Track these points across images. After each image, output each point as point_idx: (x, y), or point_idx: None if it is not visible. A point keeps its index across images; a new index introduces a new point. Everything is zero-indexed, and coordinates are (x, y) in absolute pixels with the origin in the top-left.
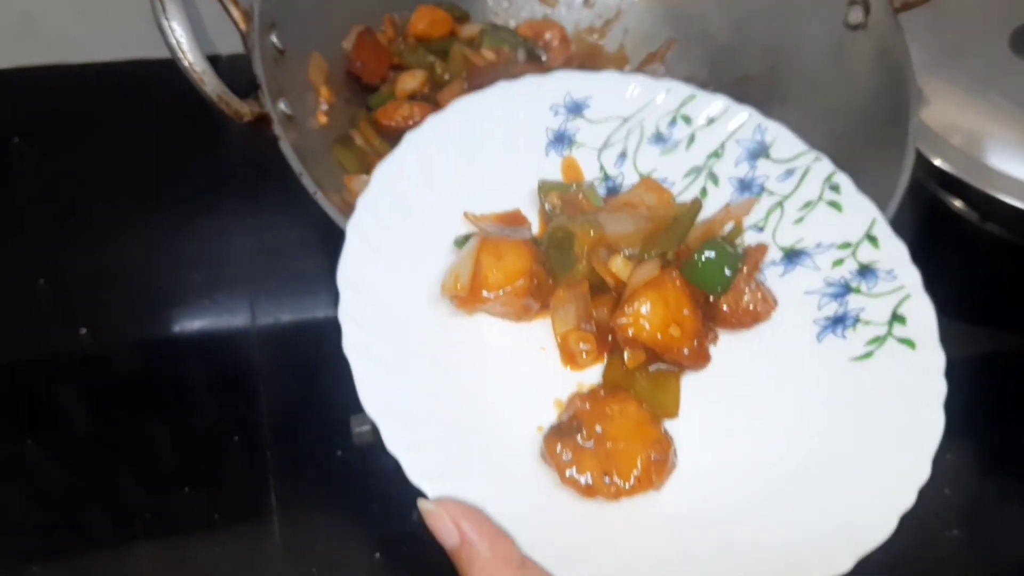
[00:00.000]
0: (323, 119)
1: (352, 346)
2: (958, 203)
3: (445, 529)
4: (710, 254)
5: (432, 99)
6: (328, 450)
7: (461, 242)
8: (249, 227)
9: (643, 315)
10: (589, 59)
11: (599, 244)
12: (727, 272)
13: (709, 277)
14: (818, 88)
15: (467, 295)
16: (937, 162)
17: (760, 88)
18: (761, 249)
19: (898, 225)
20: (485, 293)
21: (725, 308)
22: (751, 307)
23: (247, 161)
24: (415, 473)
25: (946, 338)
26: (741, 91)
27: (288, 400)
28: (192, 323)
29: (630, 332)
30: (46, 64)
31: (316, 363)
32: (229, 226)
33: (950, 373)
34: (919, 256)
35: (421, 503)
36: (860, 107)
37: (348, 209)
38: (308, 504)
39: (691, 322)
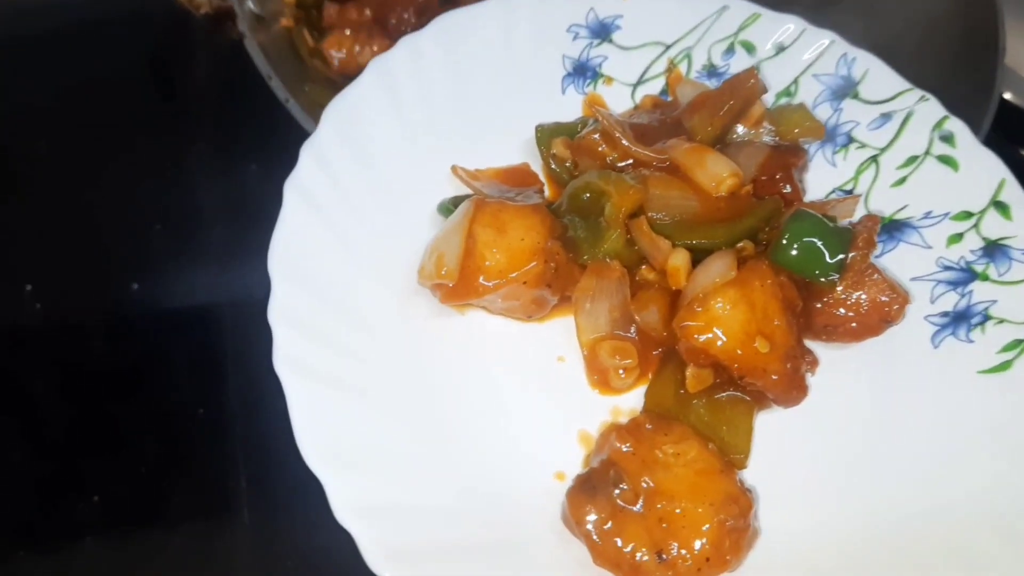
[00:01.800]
0: (288, 22)
1: (287, 362)
2: None
3: None
4: (808, 236)
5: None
6: None
7: (447, 208)
8: (218, 179)
9: (718, 318)
10: None
11: (640, 209)
12: (830, 255)
13: (809, 261)
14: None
15: (456, 284)
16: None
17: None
18: (873, 220)
19: None
20: (482, 281)
21: (841, 312)
22: (880, 302)
23: (216, 105)
24: (377, 555)
25: None
26: None
27: (260, 369)
28: (151, 284)
29: (699, 340)
30: None
31: None
32: (195, 178)
33: None
34: None
35: None
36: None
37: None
38: (282, 488)
39: (783, 336)
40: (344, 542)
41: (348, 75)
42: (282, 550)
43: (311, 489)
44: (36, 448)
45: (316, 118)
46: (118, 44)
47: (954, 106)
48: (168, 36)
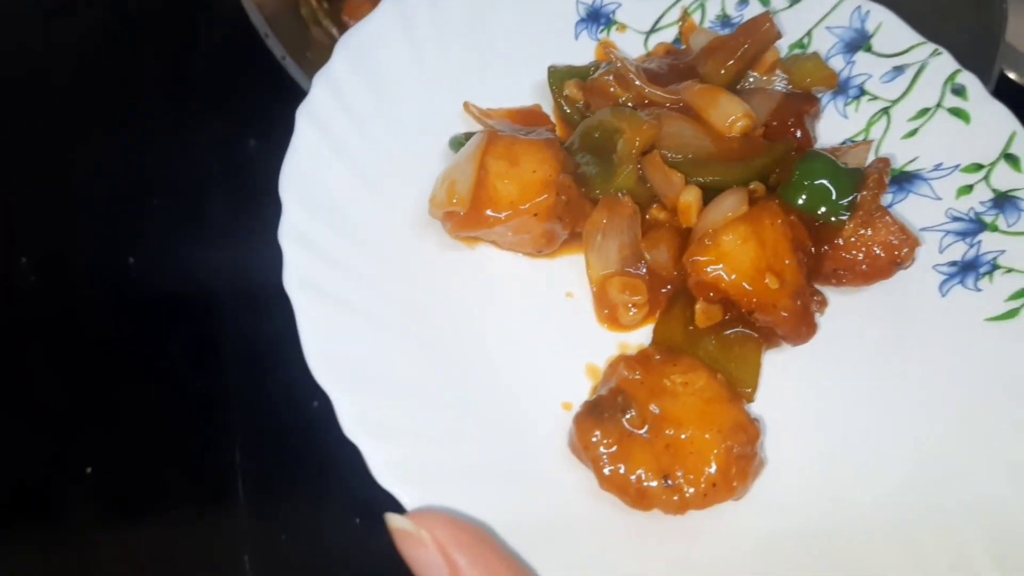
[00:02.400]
0: None
1: (297, 279)
2: None
3: (427, 560)
4: (819, 176)
5: None
6: (301, 398)
7: (458, 143)
8: (220, 152)
9: (729, 253)
10: None
11: (652, 146)
12: (839, 195)
13: (818, 200)
14: None
15: (467, 214)
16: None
17: None
18: (884, 162)
19: None
20: (491, 212)
21: (851, 255)
22: (891, 244)
23: (218, 75)
24: (385, 471)
25: None
26: None
27: (257, 342)
28: (147, 259)
29: (709, 274)
30: None
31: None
32: (197, 147)
33: None
34: None
35: (391, 520)
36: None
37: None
38: (278, 461)
39: (793, 274)
40: (339, 519)
41: None
42: (277, 525)
43: (306, 467)
44: (30, 421)
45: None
46: (116, 10)
47: None
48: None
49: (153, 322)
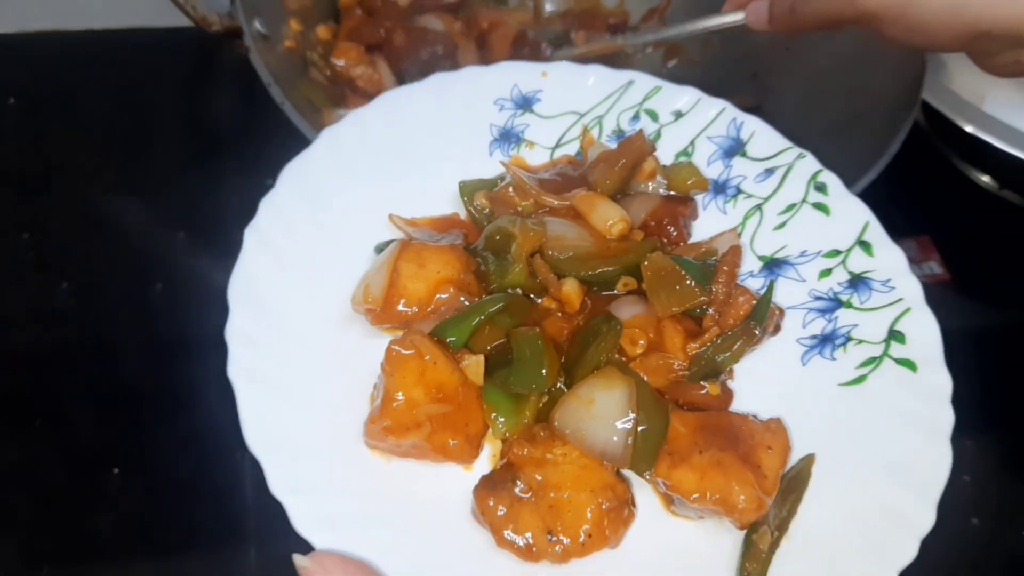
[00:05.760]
0: (292, 44)
1: (239, 370)
2: (981, 176)
3: None
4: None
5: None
6: None
7: (382, 248)
8: (240, 189)
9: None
10: (588, 15)
11: (541, 248)
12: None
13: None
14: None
15: (381, 309)
16: (969, 128)
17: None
18: (733, 251)
19: (915, 194)
20: (402, 308)
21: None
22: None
23: (242, 120)
24: (304, 520)
25: (963, 310)
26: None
27: None
28: (173, 283)
29: None
30: (46, 30)
31: None
32: (219, 186)
33: (968, 350)
34: (936, 227)
35: (295, 558)
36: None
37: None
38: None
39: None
40: None
41: (338, 84)
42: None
43: None
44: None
45: (307, 118)
46: (153, 63)
47: None
48: (198, 55)
49: (173, 347)
